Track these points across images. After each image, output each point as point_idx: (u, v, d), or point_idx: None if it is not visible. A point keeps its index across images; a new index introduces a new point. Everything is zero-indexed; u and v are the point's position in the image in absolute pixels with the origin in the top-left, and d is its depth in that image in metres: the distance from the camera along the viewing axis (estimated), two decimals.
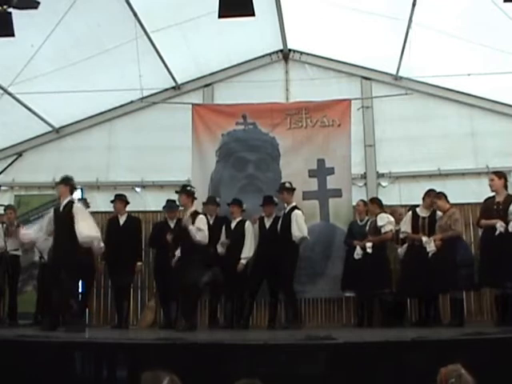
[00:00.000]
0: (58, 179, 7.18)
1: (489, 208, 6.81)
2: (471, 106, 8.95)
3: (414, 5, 7.11)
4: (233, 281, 7.56)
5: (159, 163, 9.18)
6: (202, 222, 7.02)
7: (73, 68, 7.90)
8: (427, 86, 8.92)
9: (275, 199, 7.83)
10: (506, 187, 6.82)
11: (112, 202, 8.31)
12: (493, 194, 6.85)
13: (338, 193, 8.58)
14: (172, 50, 8.46)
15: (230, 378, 3.19)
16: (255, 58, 9.45)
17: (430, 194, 7.49)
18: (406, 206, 8.31)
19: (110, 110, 9.54)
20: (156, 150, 9.20)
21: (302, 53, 9.40)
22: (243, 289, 7.64)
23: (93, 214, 7.60)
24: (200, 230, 6.92)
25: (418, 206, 7.61)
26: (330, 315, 8.63)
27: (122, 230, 8.08)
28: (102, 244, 7.45)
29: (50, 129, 9.53)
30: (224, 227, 7.84)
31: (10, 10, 6.02)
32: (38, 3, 6.02)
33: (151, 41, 8.07)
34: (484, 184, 7.17)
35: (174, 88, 9.50)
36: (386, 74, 9.16)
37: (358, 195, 8.64)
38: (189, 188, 7.22)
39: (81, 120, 9.58)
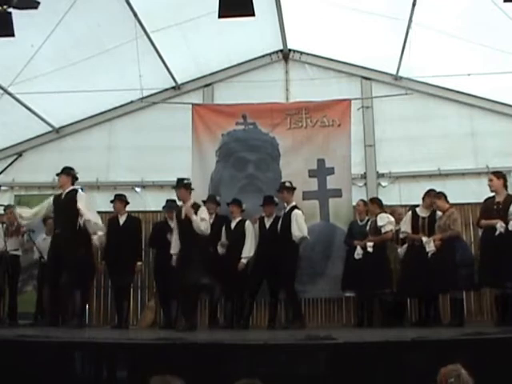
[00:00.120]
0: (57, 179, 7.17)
1: (489, 208, 6.81)
2: (471, 106, 8.96)
3: (414, 5, 7.12)
4: (233, 281, 7.56)
5: (159, 163, 9.18)
6: (204, 212, 7.03)
7: (73, 68, 7.91)
8: (427, 85, 8.93)
9: (275, 199, 7.83)
10: (505, 187, 6.82)
11: (112, 202, 8.31)
12: (493, 194, 6.85)
13: (337, 193, 8.58)
14: (172, 50, 8.46)
15: (230, 378, 3.19)
16: (255, 58, 9.46)
17: (430, 193, 7.49)
18: (406, 206, 8.31)
19: (110, 110, 9.55)
20: (156, 150, 9.20)
21: (302, 53, 9.41)
22: (243, 289, 7.64)
23: None
24: (203, 219, 6.91)
25: (417, 206, 7.61)
26: (330, 315, 8.63)
27: (122, 230, 8.08)
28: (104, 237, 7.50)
29: (50, 129, 9.54)
30: (224, 227, 7.84)
31: (10, 9, 6.03)
32: (38, 3, 6.02)
33: (151, 41, 8.07)
34: (484, 184, 7.17)
35: (174, 88, 9.50)
36: (386, 74, 9.16)
37: (358, 195, 8.64)
38: (185, 181, 7.17)
39: (81, 120, 9.58)
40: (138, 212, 8.85)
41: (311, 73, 9.37)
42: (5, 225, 7.97)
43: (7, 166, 9.59)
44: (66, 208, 6.83)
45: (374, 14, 7.63)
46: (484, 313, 8.24)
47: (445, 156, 8.80)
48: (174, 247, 7.13)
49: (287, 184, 7.77)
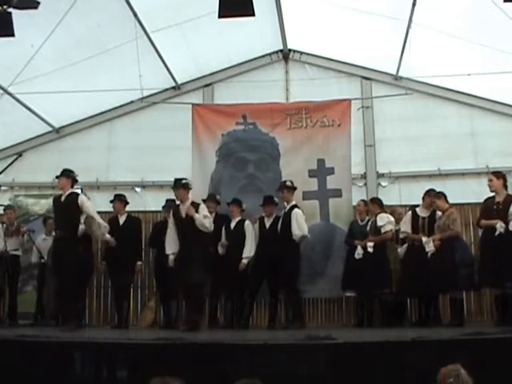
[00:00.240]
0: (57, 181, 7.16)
1: (489, 208, 6.81)
2: (471, 106, 8.95)
3: (414, 5, 7.11)
4: (233, 281, 7.56)
5: (159, 163, 9.18)
6: (205, 209, 7.03)
7: (73, 68, 7.90)
8: (427, 85, 8.93)
9: (275, 199, 7.84)
10: (505, 187, 6.81)
11: (111, 202, 8.30)
12: (493, 194, 6.85)
13: (338, 193, 8.58)
14: (172, 49, 8.46)
15: (230, 378, 3.19)
16: (255, 58, 9.45)
17: (429, 193, 7.49)
18: (406, 206, 8.32)
19: (110, 110, 9.54)
20: (156, 150, 9.20)
21: (302, 53, 9.40)
22: (243, 289, 7.64)
23: None
24: (206, 216, 6.91)
25: (418, 205, 7.61)
26: (330, 315, 8.63)
27: (122, 230, 8.07)
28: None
29: (50, 129, 9.54)
30: (224, 227, 7.84)
31: (10, 9, 6.02)
32: (38, 3, 6.02)
33: (151, 41, 8.07)
34: (484, 184, 7.16)
35: (174, 88, 9.50)
36: (386, 74, 9.16)
37: (358, 195, 8.64)
38: (184, 181, 7.16)
39: (81, 120, 9.58)
40: (138, 212, 8.85)
41: (311, 73, 9.37)
42: (5, 225, 7.98)
43: (7, 166, 9.58)
44: (66, 210, 6.83)
45: (374, 14, 7.63)
46: (484, 313, 8.24)
47: (445, 156, 8.80)
48: (171, 247, 7.07)
49: (288, 183, 7.77)
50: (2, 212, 8.43)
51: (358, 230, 7.97)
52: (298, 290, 7.53)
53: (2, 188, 9.57)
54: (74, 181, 7.07)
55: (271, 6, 8.02)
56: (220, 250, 7.76)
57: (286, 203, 7.71)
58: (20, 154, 9.62)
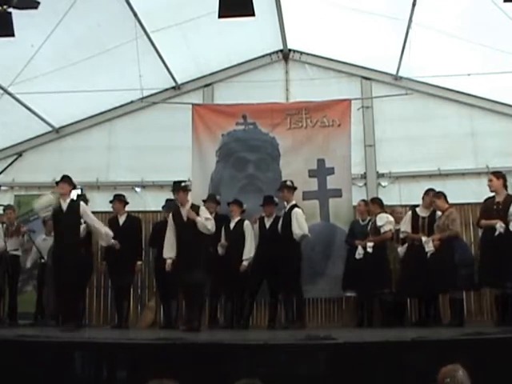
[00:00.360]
0: (57, 179, 7.14)
1: (488, 208, 6.81)
2: (471, 106, 8.95)
3: (414, 5, 7.12)
4: (233, 281, 7.56)
5: (159, 163, 9.18)
6: (206, 211, 7.04)
7: (73, 68, 7.91)
8: (427, 85, 8.93)
9: (275, 199, 7.84)
10: (505, 187, 6.81)
11: (111, 202, 8.30)
12: (493, 194, 6.85)
13: (338, 193, 8.58)
14: (172, 49, 8.46)
15: (230, 378, 3.19)
16: (255, 58, 9.46)
17: (428, 193, 7.50)
18: (406, 206, 8.32)
19: (110, 110, 9.55)
20: (156, 149, 9.20)
21: (302, 53, 9.41)
22: (243, 289, 7.64)
23: (93, 214, 7.60)
24: (208, 219, 6.91)
25: (418, 205, 7.61)
26: (330, 315, 8.63)
27: (122, 230, 8.06)
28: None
29: (50, 129, 9.54)
30: (223, 227, 7.83)
31: (10, 9, 6.03)
32: (38, 3, 6.02)
33: (151, 41, 8.07)
34: (484, 184, 7.16)
35: (173, 88, 9.50)
36: (386, 74, 9.16)
37: (358, 195, 8.64)
38: (183, 184, 7.15)
39: (81, 120, 9.58)
40: (138, 212, 8.85)
41: (311, 73, 9.37)
42: (5, 225, 7.98)
43: (7, 166, 9.59)
44: (67, 218, 6.84)
45: (374, 14, 7.63)
46: (484, 313, 8.23)
47: (445, 156, 8.79)
48: (168, 252, 7.03)
49: (288, 183, 7.77)
50: (1, 212, 8.42)
51: (359, 229, 7.97)
52: (301, 290, 7.53)
53: (2, 188, 9.57)
54: (73, 187, 7.10)
55: (271, 6, 8.02)
56: (220, 250, 7.76)
57: (286, 203, 7.71)
58: (20, 154, 9.63)
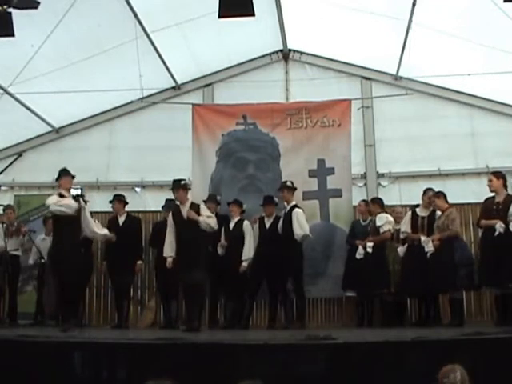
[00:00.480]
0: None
1: (488, 208, 6.81)
2: (471, 106, 8.95)
3: (414, 5, 7.12)
4: (233, 281, 7.56)
5: (159, 163, 9.18)
6: (206, 210, 7.04)
7: (73, 68, 7.91)
8: (427, 85, 8.93)
9: (275, 199, 7.84)
10: (505, 187, 6.81)
11: (110, 202, 8.30)
12: (493, 194, 6.85)
13: (338, 193, 8.58)
14: (172, 50, 8.46)
15: (230, 378, 3.20)
16: (255, 58, 9.46)
17: (426, 192, 7.50)
18: (406, 205, 8.32)
19: (110, 110, 9.55)
20: (156, 150, 9.20)
21: (302, 53, 9.41)
22: (243, 289, 7.63)
23: (93, 213, 7.61)
24: (210, 216, 6.90)
25: (418, 205, 7.61)
26: (330, 315, 8.63)
27: (122, 230, 8.07)
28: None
29: (50, 129, 9.54)
30: (223, 227, 7.83)
31: (10, 9, 6.02)
32: (38, 3, 6.02)
33: (151, 41, 8.07)
34: (484, 184, 7.17)
35: (174, 88, 9.50)
36: (386, 74, 9.16)
37: (358, 195, 8.64)
38: (183, 182, 7.13)
39: (81, 120, 9.59)
40: (138, 212, 8.86)
41: (311, 73, 9.37)
42: (5, 225, 7.97)
43: (7, 166, 9.59)
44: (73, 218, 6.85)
45: (374, 14, 7.63)
46: (484, 313, 8.23)
47: (445, 156, 8.80)
48: (168, 250, 7.00)
49: (288, 183, 7.77)
50: (1, 212, 8.42)
51: (360, 230, 7.96)
52: (303, 290, 7.53)
53: (2, 188, 9.57)
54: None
55: (271, 6, 8.02)
56: (219, 250, 7.75)
57: (286, 203, 7.71)
58: (20, 154, 9.63)
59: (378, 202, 7.99)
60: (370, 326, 7.64)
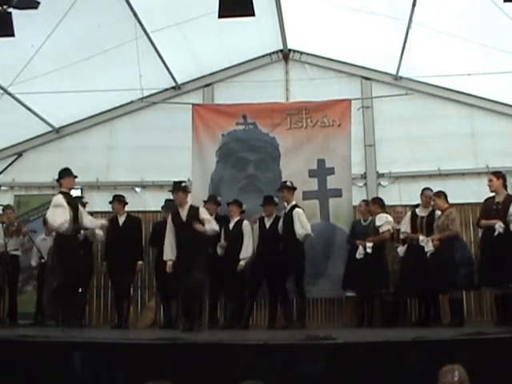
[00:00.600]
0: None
1: (488, 208, 6.81)
2: (471, 106, 8.96)
3: (414, 5, 7.12)
4: (232, 281, 7.56)
5: (159, 163, 9.19)
6: (206, 213, 7.03)
7: (73, 68, 7.91)
8: (427, 85, 8.93)
9: (275, 199, 7.84)
10: (505, 187, 6.82)
11: (110, 202, 8.30)
12: (493, 194, 6.85)
13: (338, 193, 8.58)
14: (172, 50, 8.46)
15: (230, 378, 3.20)
16: (255, 58, 9.46)
17: (424, 192, 7.50)
18: (406, 205, 8.32)
19: (110, 110, 9.56)
20: (156, 150, 9.21)
21: (302, 53, 9.41)
22: (243, 289, 7.63)
23: (93, 213, 7.62)
24: (210, 221, 6.90)
25: (419, 205, 7.61)
26: (330, 315, 8.63)
27: (122, 230, 8.08)
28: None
29: (50, 129, 9.55)
30: (223, 228, 7.83)
31: (10, 9, 6.03)
32: (38, 3, 6.02)
33: (151, 41, 8.07)
34: (484, 184, 7.17)
35: (174, 88, 9.51)
36: (386, 74, 9.16)
37: (358, 195, 8.65)
38: (183, 184, 7.13)
39: (81, 120, 9.59)
40: (138, 212, 8.86)
41: (311, 73, 9.37)
42: (5, 225, 7.97)
43: (7, 166, 9.59)
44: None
45: (374, 14, 7.63)
46: (484, 313, 8.23)
47: (445, 156, 8.80)
48: (168, 254, 6.98)
49: (288, 183, 7.77)
50: (1, 212, 8.42)
51: (360, 230, 7.96)
52: (304, 290, 7.53)
53: (2, 188, 9.57)
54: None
55: (271, 6, 8.03)
56: (219, 250, 7.75)
57: (286, 203, 7.71)
58: (20, 154, 9.63)
59: (378, 201, 7.99)
60: (369, 326, 7.64)
